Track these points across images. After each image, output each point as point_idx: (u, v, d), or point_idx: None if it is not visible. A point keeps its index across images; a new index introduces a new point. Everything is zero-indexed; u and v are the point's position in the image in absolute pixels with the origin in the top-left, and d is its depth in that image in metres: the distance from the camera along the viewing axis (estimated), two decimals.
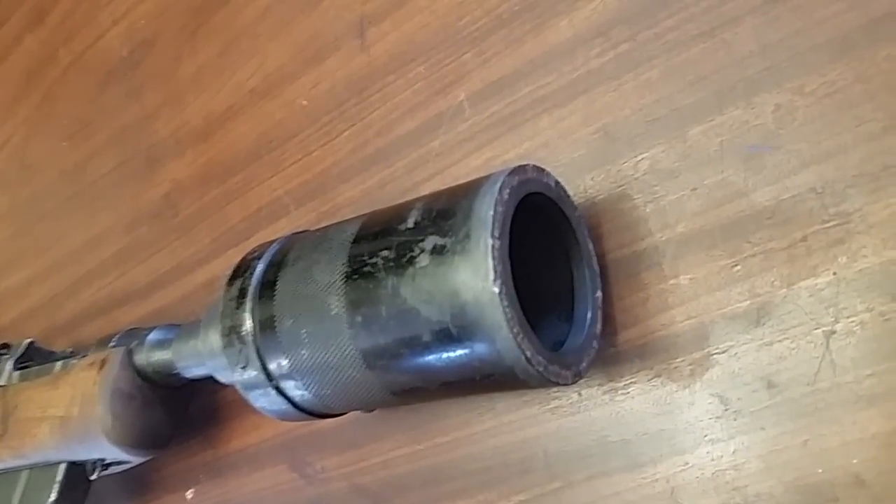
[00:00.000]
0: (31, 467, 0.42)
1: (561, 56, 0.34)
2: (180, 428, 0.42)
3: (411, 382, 0.27)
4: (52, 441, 0.40)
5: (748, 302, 0.28)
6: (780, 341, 0.27)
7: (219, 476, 0.44)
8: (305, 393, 0.30)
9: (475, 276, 0.24)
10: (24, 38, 0.63)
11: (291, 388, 0.30)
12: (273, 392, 0.31)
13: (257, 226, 0.45)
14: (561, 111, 0.34)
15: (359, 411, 0.37)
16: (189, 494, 0.45)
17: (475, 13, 0.37)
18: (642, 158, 0.31)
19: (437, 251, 0.25)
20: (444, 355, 0.26)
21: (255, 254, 0.33)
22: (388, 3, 0.40)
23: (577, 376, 0.27)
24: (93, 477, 0.41)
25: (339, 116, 0.42)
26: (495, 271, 0.24)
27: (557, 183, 0.29)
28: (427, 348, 0.26)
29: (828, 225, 0.27)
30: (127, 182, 0.52)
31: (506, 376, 0.25)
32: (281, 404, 0.31)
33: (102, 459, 0.41)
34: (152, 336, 0.40)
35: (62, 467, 0.41)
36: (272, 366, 0.30)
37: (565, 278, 0.31)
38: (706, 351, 0.29)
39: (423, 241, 0.26)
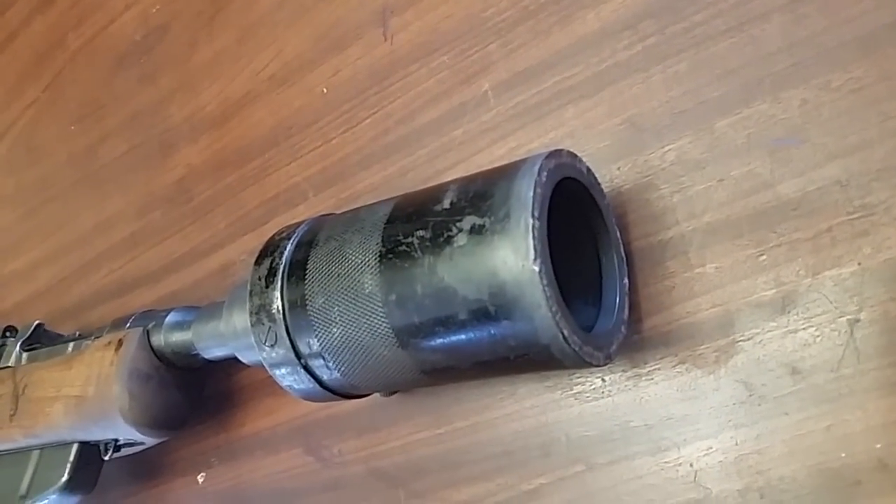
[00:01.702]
0: (43, 447, 0.42)
1: (588, 48, 0.34)
2: (195, 410, 0.42)
3: (444, 361, 0.28)
4: (67, 420, 0.40)
5: (773, 290, 0.29)
6: (804, 329, 0.28)
7: (232, 460, 0.44)
8: (334, 372, 0.30)
9: (515, 255, 0.24)
10: (32, 20, 0.63)
11: (320, 366, 0.30)
12: (301, 371, 0.31)
13: (274, 211, 0.45)
14: (587, 102, 0.34)
15: (378, 395, 0.37)
16: (200, 478, 0.45)
17: (501, 4, 0.37)
18: (669, 149, 0.32)
19: (476, 230, 0.26)
20: (480, 334, 0.26)
21: (284, 234, 0.33)
22: None
23: (608, 358, 0.27)
24: (105, 457, 0.41)
25: (360, 104, 0.42)
26: (535, 250, 0.24)
27: (589, 170, 0.30)
28: (463, 327, 0.26)
29: (853, 216, 0.28)
30: (139, 166, 0.52)
31: (541, 355, 0.26)
32: (308, 383, 0.31)
33: (116, 440, 0.40)
34: (171, 317, 0.40)
35: (75, 447, 0.41)
36: (301, 344, 0.30)
37: (592, 265, 0.31)
38: (731, 338, 0.29)
39: (460, 220, 0.26)
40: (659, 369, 0.31)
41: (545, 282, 0.24)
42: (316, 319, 0.30)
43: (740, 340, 0.29)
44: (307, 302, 0.30)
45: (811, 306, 0.28)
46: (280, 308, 0.31)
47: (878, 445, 0.26)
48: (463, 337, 0.26)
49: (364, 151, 0.42)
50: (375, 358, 0.29)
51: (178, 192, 0.50)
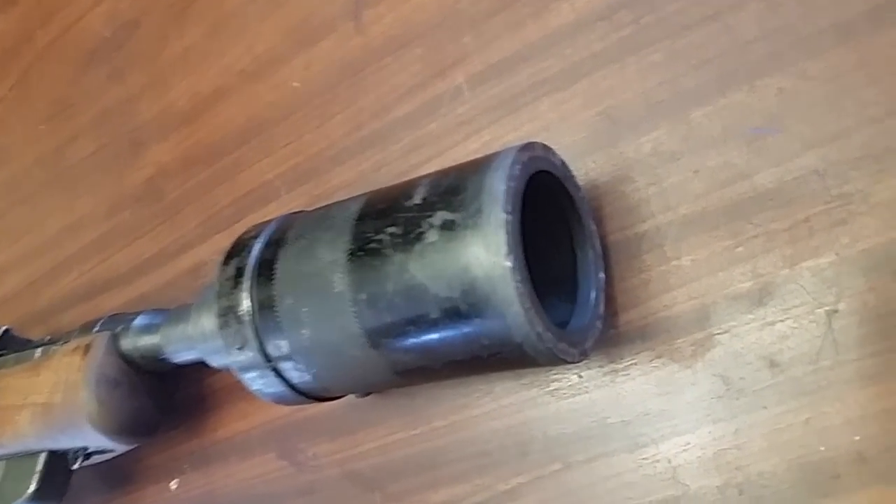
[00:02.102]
0: (9, 458, 0.41)
1: (562, 39, 0.34)
2: (166, 416, 0.41)
3: (416, 361, 0.27)
4: (33, 429, 0.38)
5: (750, 282, 0.28)
6: (782, 321, 0.28)
7: (204, 465, 0.43)
8: (304, 374, 0.29)
9: (487, 251, 0.24)
10: None
11: (290, 369, 0.30)
12: (271, 374, 0.30)
13: (246, 209, 0.44)
14: (562, 94, 0.34)
15: (352, 397, 0.36)
16: (173, 485, 0.44)
17: None
18: (645, 141, 0.31)
19: (447, 226, 0.25)
20: (452, 332, 0.25)
21: (252, 233, 0.32)
22: None
23: (583, 355, 0.27)
24: (74, 467, 0.40)
25: (333, 99, 0.41)
26: (508, 246, 0.23)
27: (563, 163, 0.29)
28: (434, 325, 0.25)
29: (830, 206, 0.27)
30: (109, 166, 0.51)
31: (514, 353, 0.25)
32: (278, 386, 0.30)
33: (85, 448, 0.39)
34: (139, 321, 0.39)
35: (42, 457, 0.39)
36: (270, 347, 0.29)
37: (567, 259, 0.30)
38: (708, 331, 0.29)
39: (431, 216, 0.25)
40: (635, 364, 0.30)
41: (518, 278, 0.24)
42: (285, 320, 0.29)
43: (717, 333, 0.29)
44: (275, 303, 0.29)
45: (789, 298, 0.28)
46: (248, 309, 0.30)
47: (857, 438, 0.26)
48: (435, 336, 0.26)
49: (337, 147, 0.41)
50: (346, 359, 0.28)
51: (148, 191, 0.48)
